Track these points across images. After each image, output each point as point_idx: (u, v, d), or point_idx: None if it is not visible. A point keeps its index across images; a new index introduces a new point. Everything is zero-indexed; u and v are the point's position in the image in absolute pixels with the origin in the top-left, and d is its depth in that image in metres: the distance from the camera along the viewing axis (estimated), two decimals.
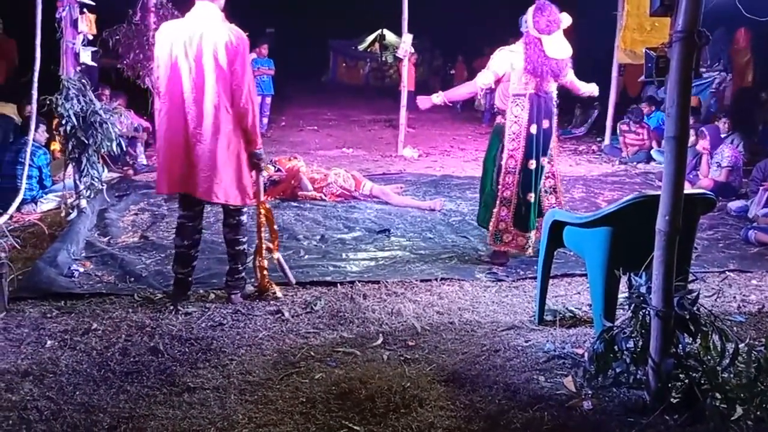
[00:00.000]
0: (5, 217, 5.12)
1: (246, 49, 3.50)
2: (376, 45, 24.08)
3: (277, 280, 3.89)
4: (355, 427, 2.49)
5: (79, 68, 5.33)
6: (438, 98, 4.46)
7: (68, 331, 3.29)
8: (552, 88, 4.29)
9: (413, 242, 4.97)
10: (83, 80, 5.21)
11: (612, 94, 9.60)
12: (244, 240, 3.73)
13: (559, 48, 4.16)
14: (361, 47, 24.42)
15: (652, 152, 8.63)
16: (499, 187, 4.30)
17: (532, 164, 4.25)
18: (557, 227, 3.32)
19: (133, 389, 2.75)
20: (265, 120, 10.71)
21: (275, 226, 3.94)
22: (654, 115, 9.22)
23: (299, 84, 17.35)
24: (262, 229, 3.80)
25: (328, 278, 4.09)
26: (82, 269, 4.16)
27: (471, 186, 6.80)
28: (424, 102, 4.55)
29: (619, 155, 9.01)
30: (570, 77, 4.41)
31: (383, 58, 22.93)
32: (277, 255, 3.91)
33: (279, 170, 6.41)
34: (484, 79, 4.28)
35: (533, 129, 4.23)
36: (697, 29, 2.37)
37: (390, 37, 22.52)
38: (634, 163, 8.59)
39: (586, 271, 3.30)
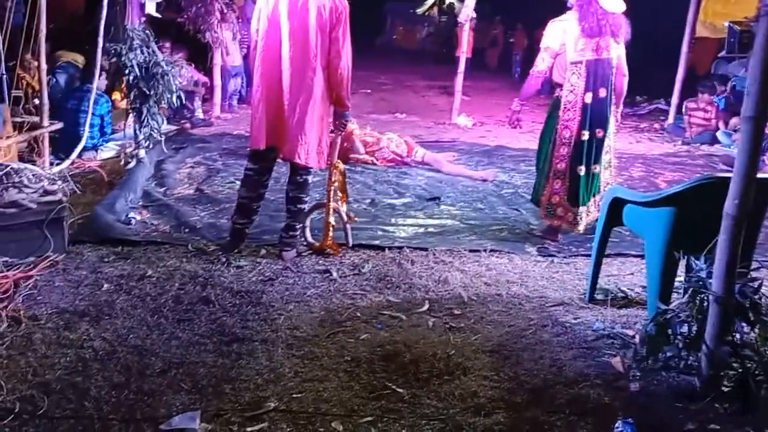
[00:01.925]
0: (67, 162, 5.29)
1: (347, 16, 3.52)
2: (435, 9, 23.66)
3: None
4: (399, 389, 2.51)
5: (143, 19, 5.39)
6: (516, 105, 4.48)
7: (124, 276, 3.39)
8: (613, 53, 4.09)
9: (463, 212, 4.92)
10: (147, 31, 5.28)
11: (680, 70, 9.19)
12: (307, 199, 3.79)
13: (614, 1, 4.01)
14: (419, 11, 24.04)
15: (717, 134, 8.27)
16: (554, 159, 4.20)
17: (585, 135, 4.10)
18: (617, 205, 3.23)
19: (185, 336, 2.83)
20: None
21: (346, 186, 4.05)
22: (721, 98, 8.82)
23: (353, 46, 17.22)
24: (332, 188, 3.85)
25: (377, 242, 4.09)
26: (138, 217, 4.27)
27: (525, 158, 6.67)
28: (512, 117, 4.55)
29: (682, 135, 8.67)
30: (621, 50, 4.16)
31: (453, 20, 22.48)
32: (345, 209, 3.98)
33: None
34: (542, 63, 4.15)
35: (588, 98, 4.06)
36: None
37: (452, 0, 22.06)
38: (698, 144, 8.24)
39: (643, 251, 3.22)
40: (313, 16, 3.44)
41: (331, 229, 3.83)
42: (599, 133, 4.14)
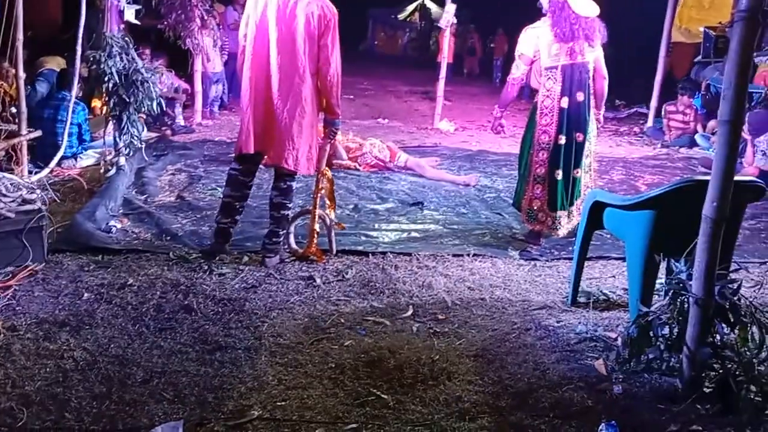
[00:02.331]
0: (45, 171, 5.23)
1: (336, 23, 3.53)
2: (416, 15, 23.78)
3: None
4: (383, 396, 2.50)
5: (122, 26, 5.35)
6: (496, 112, 4.52)
7: (104, 285, 3.35)
8: (588, 56, 4.11)
9: (446, 216, 4.93)
10: (126, 38, 5.24)
11: (658, 75, 9.33)
12: (290, 205, 3.80)
13: (586, 5, 4.05)
14: (401, 17, 24.14)
15: (696, 137, 8.39)
16: (533, 164, 4.21)
17: (562, 140, 4.12)
18: (597, 208, 3.25)
19: (167, 345, 2.80)
20: None
21: (333, 194, 4.05)
22: (696, 98, 8.96)
23: None
24: (319, 195, 3.86)
25: (360, 248, 4.08)
26: (119, 225, 4.23)
27: (507, 163, 6.72)
28: (493, 123, 4.58)
29: (661, 138, 8.78)
30: (598, 53, 4.19)
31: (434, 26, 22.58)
32: (331, 220, 3.96)
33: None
34: (517, 70, 4.19)
35: (564, 102, 4.09)
36: (762, 9, 2.27)
37: (431, 6, 22.19)
38: (677, 147, 8.36)
39: (624, 254, 3.25)
40: (302, 23, 3.45)
41: (315, 235, 3.82)
42: (579, 137, 4.16)
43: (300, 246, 3.89)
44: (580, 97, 4.13)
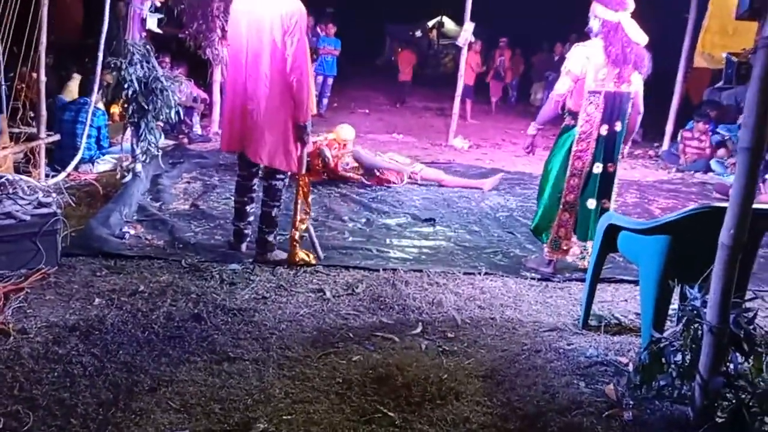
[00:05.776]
0: (62, 174, 5.28)
1: (301, 20, 3.62)
2: (434, 32, 23.90)
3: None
4: (390, 413, 2.48)
5: (144, 34, 5.42)
6: (532, 129, 4.32)
7: (116, 291, 3.36)
8: (632, 87, 3.99)
9: (458, 234, 4.92)
10: (147, 46, 5.30)
11: (675, 99, 9.29)
12: (275, 204, 3.93)
13: (638, 31, 3.95)
14: (418, 33, 24.26)
15: (711, 162, 8.34)
16: (564, 190, 4.08)
17: (598, 168, 4.00)
18: (612, 231, 3.23)
19: (175, 354, 2.80)
20: (325, 101, 10.69)
21: (309, 199, 4.05)
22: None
23: (353, 66, 17.24)
24: (299, 201, 3.92)
25: (371, 262, 4.08)
26: (132, 231, 4.25)
27: (521, 181, 6.70)
28: (527, 141, 4.42)
29: (676, 162, 8.74)
30: (639, 86, 4.06)
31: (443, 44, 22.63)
32: (306, 225, 3.99)
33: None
34: (562, 86, 4.02)
35: (603, 130, 3.97)
36: None
37: (449, 25, 22.30)
38: (692, 172, 8.31)
39: (638, 278, 3.21)
40: (267, 23, 3.60)
41: (295, 243, 3.92)
42: (611, 167, 4.04)
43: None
44: (617, 126, 3.99)
